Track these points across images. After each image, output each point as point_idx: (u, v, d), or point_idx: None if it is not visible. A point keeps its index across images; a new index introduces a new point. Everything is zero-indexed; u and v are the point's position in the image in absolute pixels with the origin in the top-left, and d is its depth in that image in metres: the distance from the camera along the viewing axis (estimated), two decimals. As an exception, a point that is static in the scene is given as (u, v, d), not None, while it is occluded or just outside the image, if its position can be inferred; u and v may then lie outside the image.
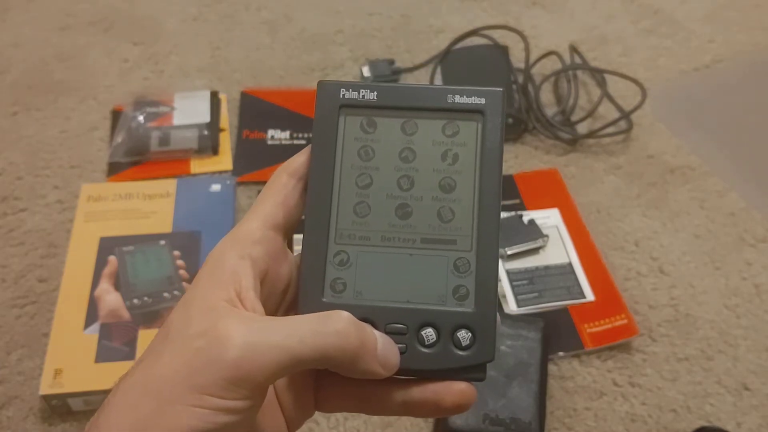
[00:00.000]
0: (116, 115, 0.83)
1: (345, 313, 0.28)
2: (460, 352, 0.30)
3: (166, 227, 0.72)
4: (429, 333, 0.30)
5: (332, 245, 0.31)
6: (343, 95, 0.32)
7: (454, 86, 0.32)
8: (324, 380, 0.32)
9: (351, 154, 0.32)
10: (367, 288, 0.31)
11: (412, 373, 0.30)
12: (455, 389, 0.30)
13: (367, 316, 0.30)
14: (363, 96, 0.32)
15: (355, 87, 0.32)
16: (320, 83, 0.33)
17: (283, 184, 0.32)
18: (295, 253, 0.33)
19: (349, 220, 0.32)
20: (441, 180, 0.32)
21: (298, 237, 0.32)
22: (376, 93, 0.32)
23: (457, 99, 0.32)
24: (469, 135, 0.32)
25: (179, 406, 0.26)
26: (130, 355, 0.63)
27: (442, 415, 0.31)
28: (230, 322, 0.27)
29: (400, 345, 0.30)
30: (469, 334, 0.30)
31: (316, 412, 0.33)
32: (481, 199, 0.31)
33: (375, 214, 0.32)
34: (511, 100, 0.84)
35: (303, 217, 0.32)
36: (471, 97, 0.32)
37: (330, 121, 0.32)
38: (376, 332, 0.29)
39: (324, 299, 0.31)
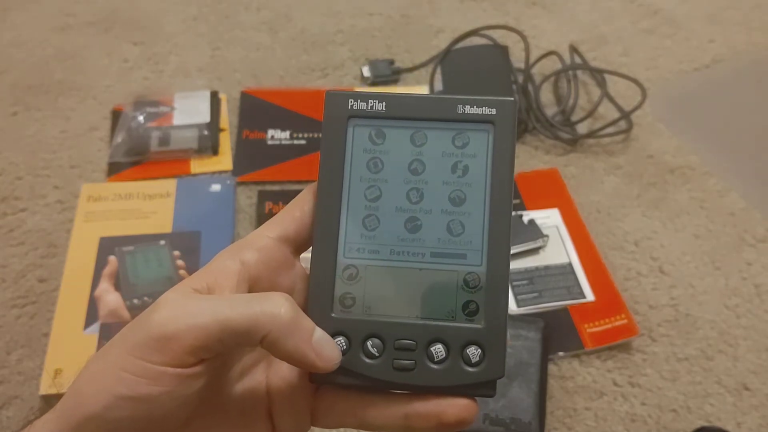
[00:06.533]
0: (116, 115, 0.83)
1: (284, 294, 0.28)
2: (470, 369, 0.30)
3: (166, 227, 0.72)
4: (438, 349, 0.30)
5: (341, 259, 0.31)
6: (352, 106, 0.32)
7: (464, 96, 0.31)
8: (324, 393, 0.32)
9: (360, 165, 0.31)
10: (376, 303, 0.31)
11: (421, 389, 0.30)
12: (459, 403, 0.30)
13: (377, 331, 0.30)
14: (371, 106, 0.32)
15: (363, 97, 0.32)
16: (328, 93, 0.32)
17: (305, 199, 0.32)
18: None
19: (358, 234, 0.31)
20: (451, 193, 0.31)
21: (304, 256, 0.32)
22: (384, 103, 0.32)
23: (468, 109, 0.31)
24: (480, 146, 0.31)
25: (111, 371, 0.26)
26: (130, 355, 0.63)
27: (443, 430, 0.30)
28: (171, 292, 0.28)
29: (410, 361, 0.30)
30: (479, 350, 0.30)
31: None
32: (492, 213, 0.31)
33: (384, 227, 0.31)
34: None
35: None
36: (482, 107, 0.31)
37: (338, 132, 0.32)
38: (317, 328, 0.29)
39: (333, 314, 0.30)
